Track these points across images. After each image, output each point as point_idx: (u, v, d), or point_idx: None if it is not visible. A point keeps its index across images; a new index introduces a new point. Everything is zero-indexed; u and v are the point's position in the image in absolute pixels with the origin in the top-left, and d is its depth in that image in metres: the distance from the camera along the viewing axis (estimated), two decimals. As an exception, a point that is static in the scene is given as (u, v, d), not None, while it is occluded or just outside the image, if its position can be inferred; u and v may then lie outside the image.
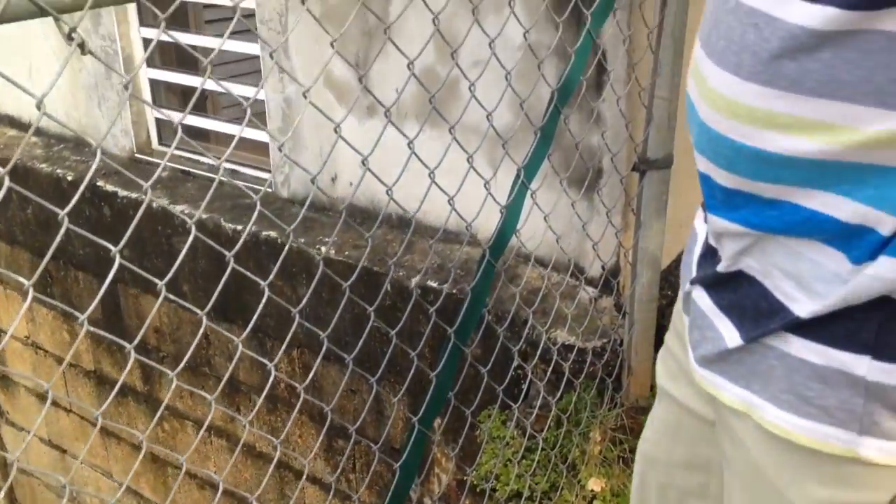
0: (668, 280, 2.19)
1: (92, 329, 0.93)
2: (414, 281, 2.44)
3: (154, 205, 2.92)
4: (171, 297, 1.04)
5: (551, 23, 1.95)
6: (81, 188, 0.91)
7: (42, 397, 3.89)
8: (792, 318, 0.75)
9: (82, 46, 0.84)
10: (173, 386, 1.06)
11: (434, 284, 2.41)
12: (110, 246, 0.95)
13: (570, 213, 1.99)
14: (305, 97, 1.10)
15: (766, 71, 0.70)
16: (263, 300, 1.15)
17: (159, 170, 1.02)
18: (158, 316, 3.18)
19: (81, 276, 3.38)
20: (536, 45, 2.00)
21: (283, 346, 1.22)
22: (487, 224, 1.66)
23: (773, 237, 0.76)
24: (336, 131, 1.17)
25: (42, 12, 0.81)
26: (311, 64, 2.59)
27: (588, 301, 2.23)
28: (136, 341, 1.00)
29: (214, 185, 1.09)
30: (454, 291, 2.30)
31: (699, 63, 0.80)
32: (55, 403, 3.71)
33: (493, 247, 1.57)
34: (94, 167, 0.91)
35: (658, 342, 2.08)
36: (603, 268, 2.13)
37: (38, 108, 0.84)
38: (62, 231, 0.87)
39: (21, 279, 0.86)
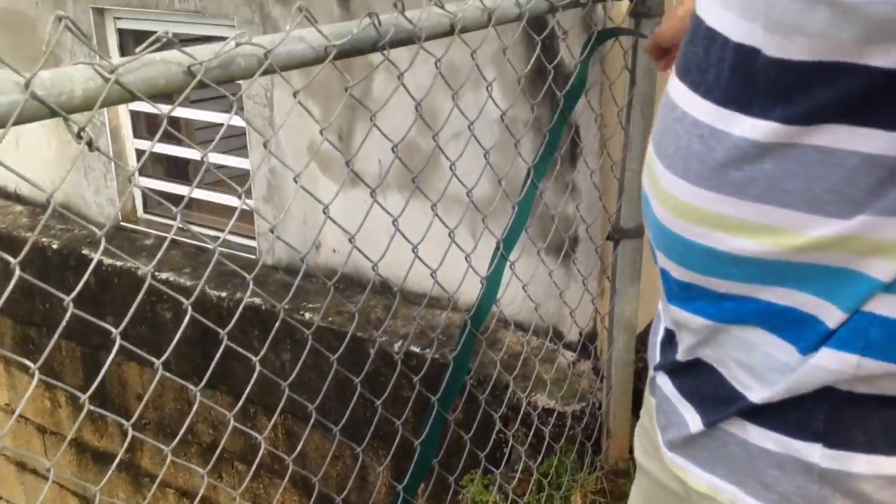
0: (644, 343, 2.25)
1: (94, 408, 0.97)
2: (396, 346, 2.49)
3: (139, 272, 2.96)
4: (168, 374, 1.08)
5: (528, 101, 2.05)
6: (84, 279, 0.97)
7: (21, 465, 3.86)
8: (746, 403, 0.80)
9: (90, 144, 0.90)
10: (168, 461, 1.10)
11: (417, 349, 2.46)
12: (111, 328, 0.99)
13: (548, 280, 2.06)
14: (296, 182, 1.17)
15: (714, 178, 0.76)
16: (255, 376, 1.19)
17: (160, 253, 1.07)
18: (141, 383, 3.19)
19: (64, 344, 3.39)
20: (514, 120, 2.09)
21: (272, 423, 1.25)
22: (469, 290, 1.72)
23: (728, 329, 0.81)
24: (325, 212, 1.23)
25: (53, 114, 0.88)
26: (295, 135, 2.67)
27: (567, 365, 2.28)
28: (133, 418, 1.05)
29: (211, 265, 1.15)
30: (437, 356, 2.34)
31: (652, 163, 0.85)
32: (35, 472, 3.68)
33: (475, 316, 1.62)
34: (97, 256, 0.97)
35: (636, 405, 2.14)
36: (580, 333, 2.19)
37: (48, 202, 0.90)
38: (67, 316, 0.92)
39: (27, 362, 0.91)
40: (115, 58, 3.23)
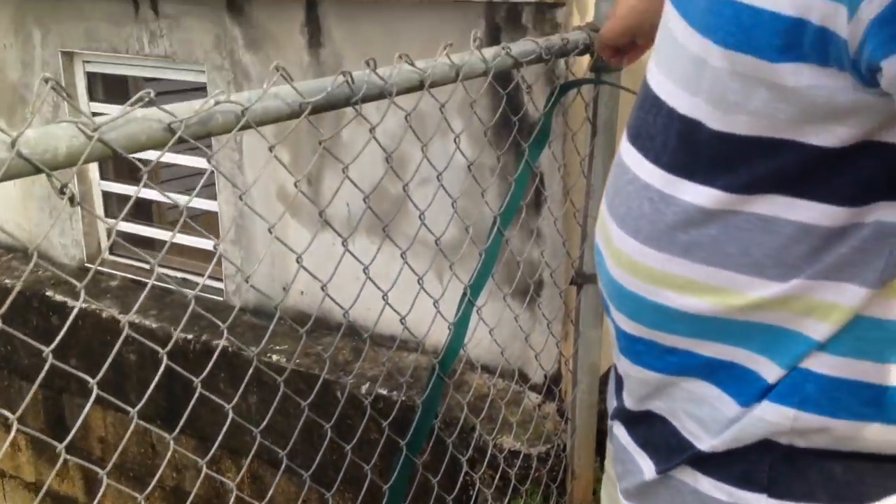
0: (608, 385, 2.30)
1: (69, 457, 0.98)
2: (364, 388, 2.50)
3: (104, 314, 2.95)
4: (143, 423, 1.10)
5: (494, 150, 2.11)
6: (63, 330, 0.99)
7: (-24, 511, 3.77)
8: (696, 452, 0.84)
9: (72, 200, 0.93)
10: (141, 508, 1.11)
11: (384, 392, 2.48)
12: (88, 378, 1.01)
13: (514, 324, 2.10)
14: (271, 232, 1.20)
15: (663, 239, 0.80)
16: (227, 423, 1.21)
17: (137, 303, 1.09)
18: (104, 426, 3.16)
19: (25, 386, 3.35)
20: (481, 168, 2.15)
21: (241, 472, 1.27)
22: (437, 332, 1.75)
23: (675, 382, 0.85)
24: (298, 262, 1.27)
25: (37, 170, 0.90)
26: (264, 180, 2.70)
27: (532, 407, 2.32)
28: (108, 467, 1.06)
29: (187, 314, 1.17)
30: (404, 398, 2.37)
31: (605, 221, 0.89)
32: (-8, 518, 3.60)
33: (443, 361, 1.65)
34: (78, 305, 0.99)
35: (599, 446, 2.17)
36: (545, 375, 2.23)
37: (31, 256, 0.92)
38: (47, 366, 0.94)
39: (7, 413, 0.92)
40: (84, 101, 3.23)
